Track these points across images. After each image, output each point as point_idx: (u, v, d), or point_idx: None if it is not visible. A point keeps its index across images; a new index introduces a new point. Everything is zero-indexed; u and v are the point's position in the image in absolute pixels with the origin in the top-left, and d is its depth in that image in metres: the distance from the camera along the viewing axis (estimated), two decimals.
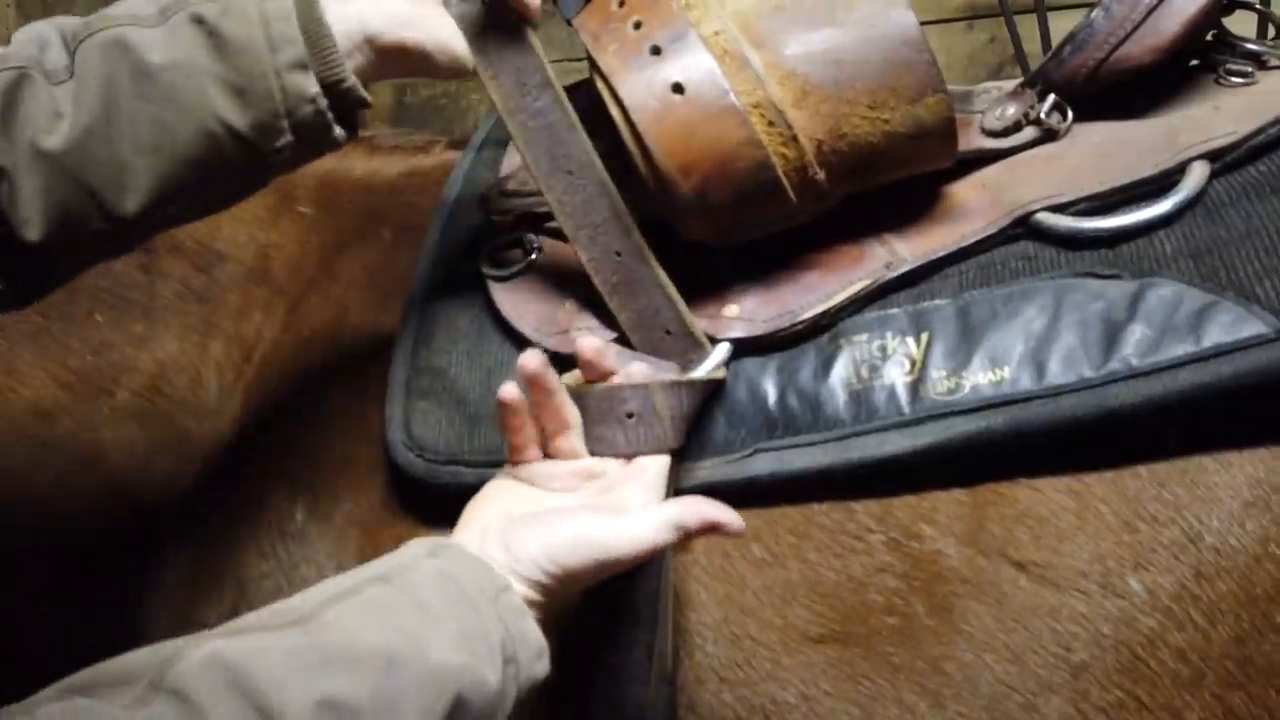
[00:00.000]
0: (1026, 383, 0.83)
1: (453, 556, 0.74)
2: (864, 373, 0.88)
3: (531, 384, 0.82)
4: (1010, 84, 1.01)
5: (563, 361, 0.88)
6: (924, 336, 0.88)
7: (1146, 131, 0.93)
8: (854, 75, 0.86)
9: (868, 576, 0.87)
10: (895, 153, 0.89)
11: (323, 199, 1.20)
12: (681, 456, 0.89)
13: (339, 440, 1.05)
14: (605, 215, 0.91)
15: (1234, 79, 0.96)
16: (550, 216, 0.95)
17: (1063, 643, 0.82)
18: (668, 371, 0.89)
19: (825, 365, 0.89)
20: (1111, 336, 0.83)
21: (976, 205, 0.93)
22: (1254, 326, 0.80)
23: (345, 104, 0.85)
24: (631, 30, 0.89)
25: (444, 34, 0.87)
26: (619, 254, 0.91)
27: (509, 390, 0.81)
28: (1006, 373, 0.84)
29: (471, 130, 1.19)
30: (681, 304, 0.91)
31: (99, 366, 1.13)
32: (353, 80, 0.84)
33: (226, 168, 0.84)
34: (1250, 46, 0.98)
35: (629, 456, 0.85)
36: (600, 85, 0.90)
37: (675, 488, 0.87)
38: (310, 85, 0.82)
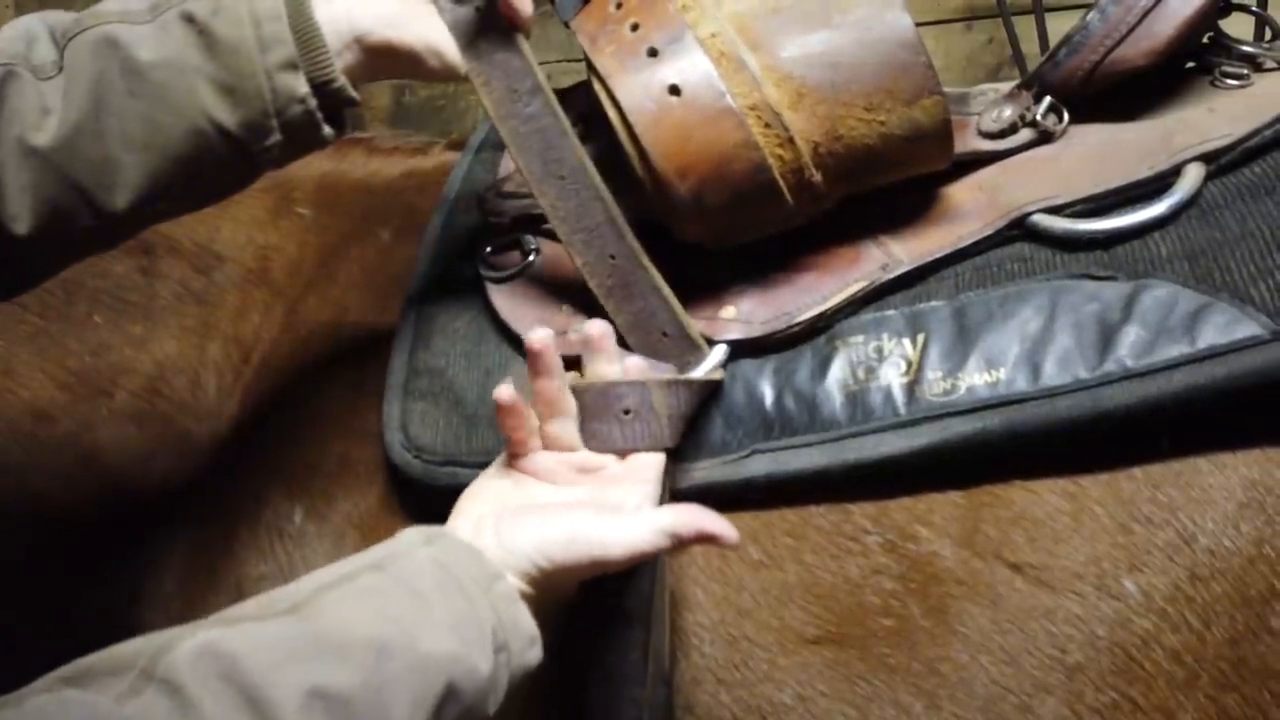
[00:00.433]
0: (1022, 384, 0.83)
1: (446, 545, 0.75)
2: (860, 374, 0.88)
3: (533, 360, 0.82)
4: (1006, 86, 1.01)
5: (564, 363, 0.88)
6: (920, 338, 0.88)
7: (1142, 134, 0.93)
8: (850, 77, 0.86)
9: (864, 578, 0.87)
10: (891, 155, 0.89)
11: (321, 200, 1.20)
12: (678, 457, 0.89)
13: (337, 441, 1.05)
14: (599, 219, 0.91)
15: (1229, 81, 0.96)
16: (548, 218, 0.95)
17: (1058, 644, 0.82)
18: (665, 372, 0.89)
19: (822, 367, 0.89)
20: (1107, 338, 0.83)
21: (973, 207, 0.93)
22: (1248, 328, 0.80)
23: (334, 103, 0.85)
24: (628, 32, 0.89)
25: (434, 36, 0.88)
26: (614, 258, 0.91)
27: (506, 392, 0.81)
28: (1002, 374, 0.84)
29: (470, 131, 1.19)
30: (678, 306, 0.91)
31: (97, 368, 1.13)
32: (342, 80, 0.84)
33: (215, 165, 0.84)
34: (1246, 49, 0.98)
35: (625, 453, 0.86)
36: (597, 87, 0.91)
37: (672, 489, 0.87)
38: (300, 85, 0.83)
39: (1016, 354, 0.84)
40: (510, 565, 0.75)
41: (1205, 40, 1.00)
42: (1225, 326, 0.80)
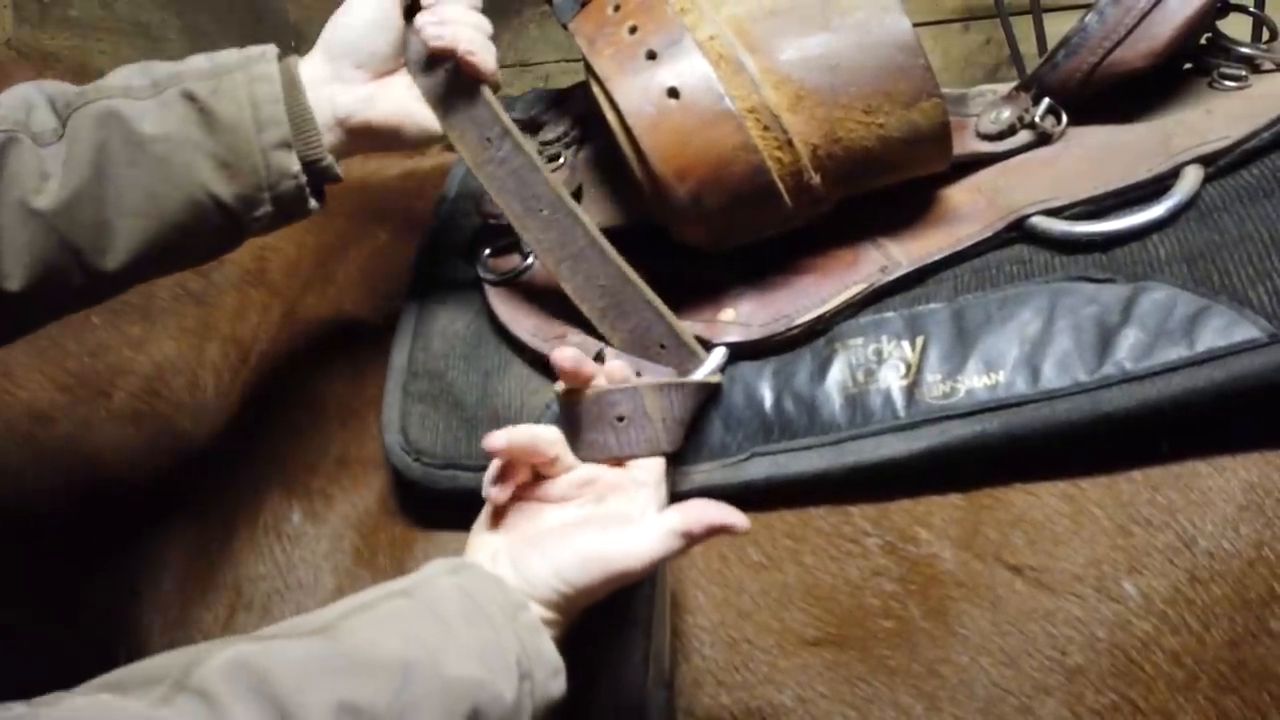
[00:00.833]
0: (1021, 387, 0.83)
1: (472, 575, 0.76)
2: (860, 376, 0.88)
3: (569, 379, 0.84)
4: (1005, 87, 1.01)
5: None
6: (919, 340, 0.88)
7: (1141, 135, 0.93)
8: (849, 80, 0.86)
9: (864, 580, 0.87)
10: (890, 157, 0.89)
11: None
12: (678, 460, 0.89)
13: (336, 442, 1.05)
14: (582, 245, 0.92)
15: (1228, 83, 0.96)
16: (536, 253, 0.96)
17: (1058, 646, 0.82)
18: (660, 376, 0.89)
19: (821, 369, 0.89)
20: (1105, 340, 0.83)
21: (971, 209, 0.93)
22: (1247, 331, 0.80)
23: (321, 179, 0.92)
24: (627, 35, 0.89)
25: (410, 106, 0.93)
26: (602, 280, 0.91)
27: (496, 440, 0.79)
28: (1001, 377, 0.84)
29: None
30: (672, 317, 0.91)
31: (96, 369, 1.13)
32: (329, 159, 0.91)
33: (207, 233, 0.90)
34: (1244, 50, 0.98)
35: (622, 460, 0.85)
36: (596, 89, 0.91)
37: (671, 492, 0.87)
38: (293, 163, 0.89)
39: (1015, 356, 0.85)
40: (531, 595, 0.76)
41: (1203, 41, 1.00)
42: (1224, 329, 0.80)
